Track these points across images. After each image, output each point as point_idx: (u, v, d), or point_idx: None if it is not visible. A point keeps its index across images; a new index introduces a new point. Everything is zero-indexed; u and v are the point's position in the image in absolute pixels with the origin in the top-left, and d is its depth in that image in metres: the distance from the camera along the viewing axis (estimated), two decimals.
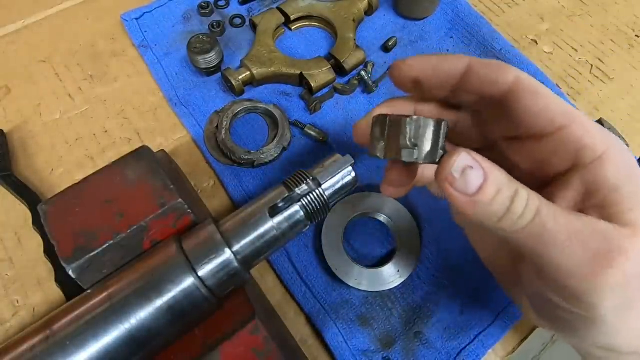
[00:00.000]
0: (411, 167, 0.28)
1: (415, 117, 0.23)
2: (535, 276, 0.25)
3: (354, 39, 0.49)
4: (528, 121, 0.23)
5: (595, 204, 0.22)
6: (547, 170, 0.24)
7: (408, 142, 0.23)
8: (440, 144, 0.23)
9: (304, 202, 0.28)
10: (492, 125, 0.27)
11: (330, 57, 0.48)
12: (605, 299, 0.21)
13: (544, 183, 0.25)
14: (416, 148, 0.23)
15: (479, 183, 0.21)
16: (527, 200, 0.21)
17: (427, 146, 0.23)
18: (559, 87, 0.49)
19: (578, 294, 0.21)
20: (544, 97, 0.23)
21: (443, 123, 0.23)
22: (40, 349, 0.24)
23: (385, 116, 0.24)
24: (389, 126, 0.24)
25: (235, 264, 0.26)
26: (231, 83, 0.45)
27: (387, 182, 0.29)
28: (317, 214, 0.29)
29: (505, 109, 0.24)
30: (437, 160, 0.23)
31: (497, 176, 0.21)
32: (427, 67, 0.25)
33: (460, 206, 0.21)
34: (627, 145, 0.44)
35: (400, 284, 0.37)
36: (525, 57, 0.50)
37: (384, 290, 0.37)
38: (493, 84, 0.23)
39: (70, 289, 0.36)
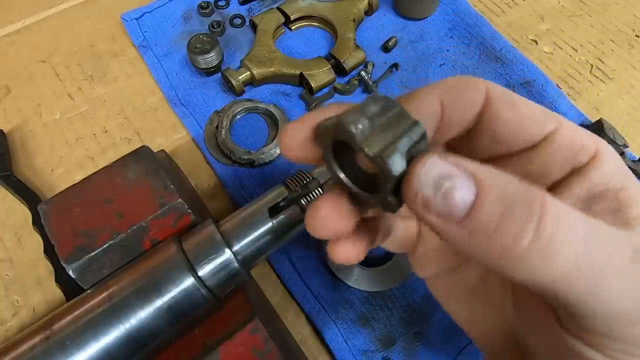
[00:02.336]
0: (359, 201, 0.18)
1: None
2: (560, 332, 0.17)
3: (354, 39, 0.49)
4: (512, 134, 0.18)
5: (606, 207, 0.18)
6: (541, 183, 0.19)
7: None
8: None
9: (304, 202, 0.28)
10: (462, 149, 0.21)
11: (330, 57, 0.48)
12: None
13: None
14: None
15: (468, 199, 0.13)
16: (565, 220, 0.13)
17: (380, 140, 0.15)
18: (559, 87, 0.49)
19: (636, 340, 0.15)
20: (522, 104, 0.18)
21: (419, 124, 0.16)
22: (40, 349, 0.24)
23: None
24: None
25: (235, 264, 0.26)
26: (231, 83, 0.45)
27: (314, 223, 0.18)
28: None
29: (479, 128, 0.19)
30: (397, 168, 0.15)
31: (500, 182, 0.13)
32: None
33: (449, 239, 0.14)
34: (627, 145, 0.44)
35: (400, 284, 0.37)
36: (525, 57, 0.50)
37: (384, 290, 0.37)
38: (471, 109, 0.18)
39: (70, 289, 0.36)
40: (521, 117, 0.18)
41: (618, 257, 0.14)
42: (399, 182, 0.15)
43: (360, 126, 0.16)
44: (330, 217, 0.18)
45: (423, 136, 0.16)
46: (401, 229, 0.24)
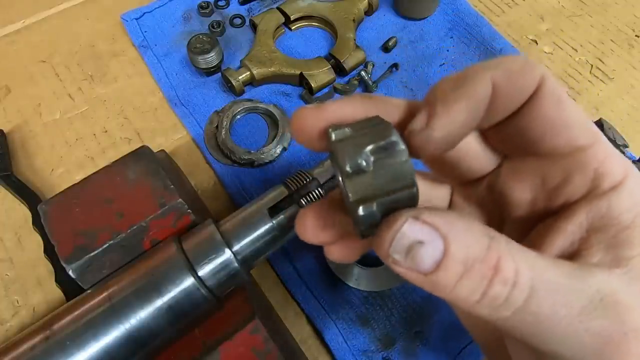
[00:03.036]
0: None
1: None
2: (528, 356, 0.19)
3: (354, 39, 0.49)
4: (546, 134, 0.17)
5: (603, 241, 0.17)
6: (553, 200, 0.19)
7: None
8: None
9: (304, 202, 0.28)
10: (490, 138, 0.21)
11: (330, 57, 0.48)
12: None
13: (545, 216, 0.20)
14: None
15: (435, 258, 0.15)
16: (514, 277, 0.15)
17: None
18: None
19: None
20: (568, 106, 0.17)
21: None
22: (40, 349, 0.24)
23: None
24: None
25: (235, 264, 0.26)
26: (231, 83, 0.45)
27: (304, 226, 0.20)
28: None
29: (517, 117, 0.18)
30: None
31: (464, 247, 0.15)
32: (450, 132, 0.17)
33: (416, 283, 0.16)
34: (627, 145, 0.44)
35: (400, 284, 0.37)
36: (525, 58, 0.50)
37: (384, 290, 0.37)
38: (520, 96, 0.17)
39: (70, 289, 0.36)
40: (561, 120, 0.17)
41: (565, 309, 0.15)
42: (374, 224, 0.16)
43: (350, 168, 0.16)
44: (314, 227, 0.20)
45: (412, 200, 0.16)
46: None
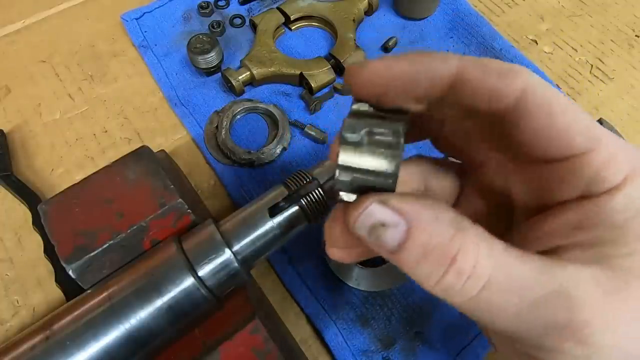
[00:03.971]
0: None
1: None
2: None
3: (354, 39, 0.49)
4: (536, 144, 0.17)
5: (586, 240, 0.17)
6: (544, 200, 0.19)
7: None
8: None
9: (304, 202, 0.28)
10: (478, 142, 0.21)
11: (330, 57, 0.48)
12: None
13: (539, 210, 0.20)
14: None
15: (399, 240, 0.16)
16: (471, 269, 0.16)
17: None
18: (559, 87, 0.49)
19: None
20: (562, 114, 0.17)
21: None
22: (40, 349, 0.24)
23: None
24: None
25: (235, 264, 0.26)
26: (231, 83, 0.45)
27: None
28: (317, 214, 0.29)
29: (504, 126, 0.18)
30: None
31: (426, 234, 0.16)
32: (396, 77, 0.18)
33: (384, 256, 0.17)
34: None
35: (400, 284, 0.37)
36: (525, 57, 0.50)
37: (384, 290, 0.37)
38: (493, 96, 0.17)
39: (70, 289, 0.36)
40: (555, 129, 0.17)
41: (517, 300, 0.16)
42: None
43: (348, 137, 0.17)
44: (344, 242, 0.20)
45: (388, 188, 0.18)
46: None
